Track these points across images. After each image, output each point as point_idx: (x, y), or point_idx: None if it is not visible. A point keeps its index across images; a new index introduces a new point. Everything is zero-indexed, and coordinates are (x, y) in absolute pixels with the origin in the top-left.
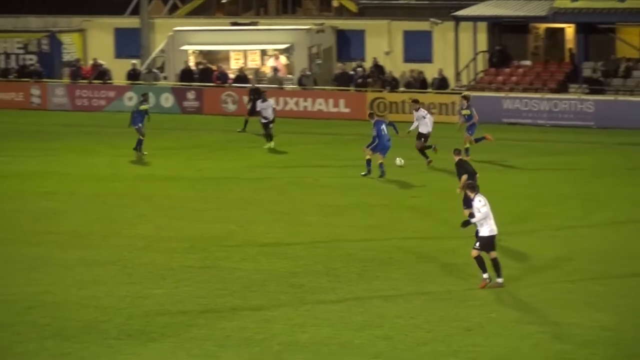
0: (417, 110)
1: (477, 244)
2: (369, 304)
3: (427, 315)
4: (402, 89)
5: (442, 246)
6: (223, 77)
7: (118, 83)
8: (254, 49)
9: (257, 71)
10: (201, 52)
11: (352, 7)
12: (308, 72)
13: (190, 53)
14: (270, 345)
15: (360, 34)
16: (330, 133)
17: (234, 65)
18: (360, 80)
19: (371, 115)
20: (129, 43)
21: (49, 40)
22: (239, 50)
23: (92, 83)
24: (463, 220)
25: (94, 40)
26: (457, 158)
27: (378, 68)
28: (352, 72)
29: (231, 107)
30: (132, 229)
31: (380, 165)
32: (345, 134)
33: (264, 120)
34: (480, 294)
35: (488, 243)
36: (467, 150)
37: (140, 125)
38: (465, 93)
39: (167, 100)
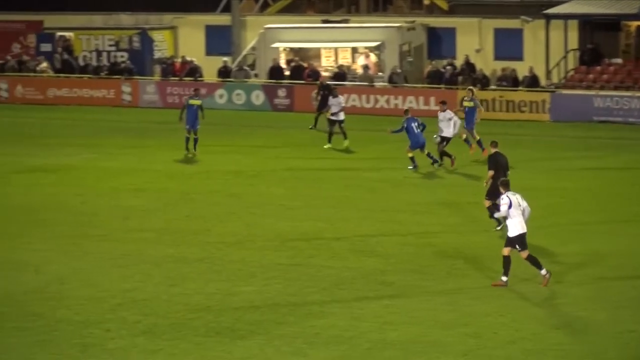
0: (443, 111)
1: (517, 246)
2: (458, 301)
3: (516, 314)
4: (492, 86)
5: (530, 245)
6: (314, 74)
7: (209, 80)
8: (345, 47)
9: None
10: (292, 49)
11: (443, 5)
12: (399, 70)
13: (281, 50)
14: (359, 343)
15: (451, 31)
16: None
17: (325, 62)
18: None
19: (406, 112)
20: (219, 40)
21: (140, 37)
22: (329, 48)
23: (183, 80)
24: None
25: (185, 38)
26: (493, 150)
27: (469, 66)
28: (442, 70)
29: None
30: (221, 226)
31: (412, 159)
32: (436, 132)
33: (331, 117)
34: (570, 291)
35: (521, 242)
36: (467, 141)
37: (188, 127)
38: (471, 87)
39: (258, 97)
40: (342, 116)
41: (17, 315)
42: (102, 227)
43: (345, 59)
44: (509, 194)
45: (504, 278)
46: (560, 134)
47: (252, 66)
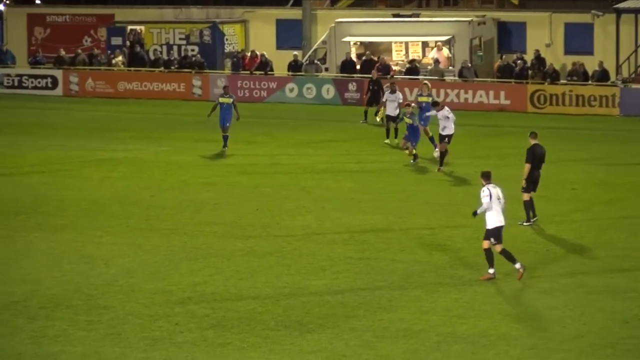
0: (440, 110)
1: (491, 239)
2: (527, 295)
3: (584, 308)
4: (562, 81)
5: (601, 239)
6: (385, 68)
7: (279, 74)
8: (416, 41)
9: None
10: (362, 43)
11: None
12: (469, 64)
13: (352, 44)
14: (428, 337)
15: (521, 26)
16: (490, 125)
17: (396, 56)
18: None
19: (407, 105)
20: (290, 34)
21: (210, 31)
22: (400, 42)
23: (253, 74)
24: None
25: (256, 31)
26: (532, 142)
27: (539, 60)
28: (513, 64)
29: None
30: (291, 220)
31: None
32: (505, 126)
33: (389, 113)
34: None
35: (497, 235)
36: (432, 139)
37: (227, 125)
38: (427, 81)
39: (329, 91)
40: (392, 112)
41: (86, 309)
42: (171, 221)
43: (415, 53)
44: (490, 186)
45: (491, 270)
46: (629, 128)
47: (323, 60)
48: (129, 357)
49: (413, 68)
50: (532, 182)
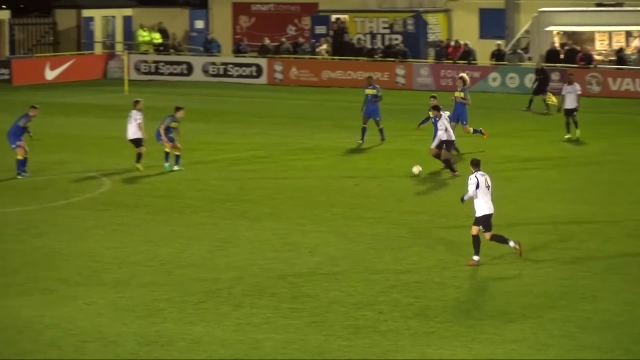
0: (439, 117)
1: (481, 227)
2: None
3: None
4: None
5: None
6: (587, 58)
7: (482, 64)
8: (619, 31)
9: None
10: (566, 33)
11: None
12: None
13: (555, 34)
14: (632, 328)
15: None
16: None
17: (599, 46)
18: None
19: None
20: (493, 24)
21: (414, 20)
22: (604, 32)
23: (456, 63)
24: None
25: (459, 21)
26: None
27: None
28: None
29: (596, 88)
30: (495, 209)
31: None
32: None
33: (568, 107)
34: None
35: (486, 223)
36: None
37: (365, 117)
38: (463, 74)
39: (532, 81)
40: (571, 105)
41: (291, 297)
42: (375, 210)
43: (619, 43)
44: (478, 174)
45: (476, 258)
46: None
47: (526, 50)
48: (333, 345)
49: (621, 58)
50: None
